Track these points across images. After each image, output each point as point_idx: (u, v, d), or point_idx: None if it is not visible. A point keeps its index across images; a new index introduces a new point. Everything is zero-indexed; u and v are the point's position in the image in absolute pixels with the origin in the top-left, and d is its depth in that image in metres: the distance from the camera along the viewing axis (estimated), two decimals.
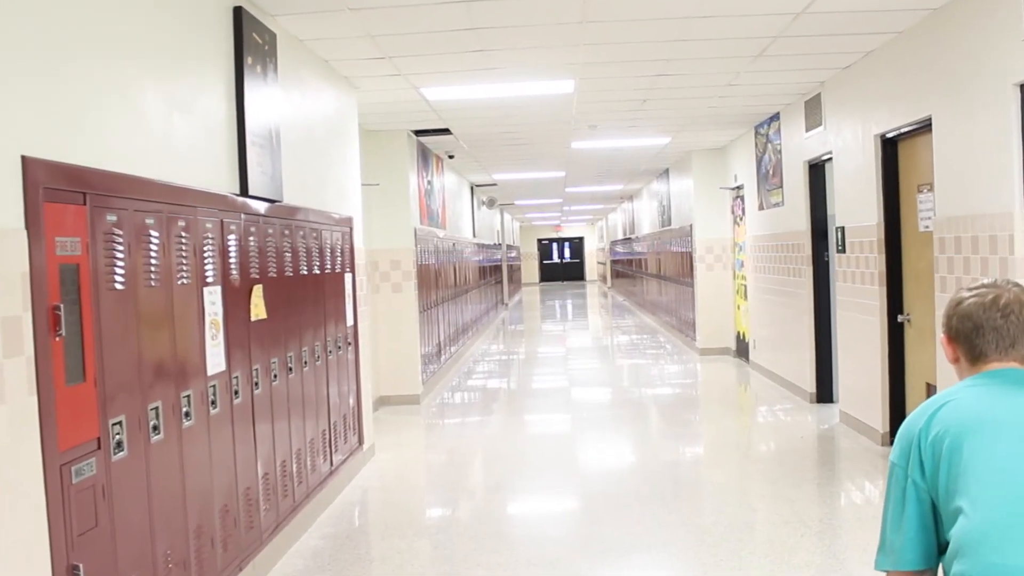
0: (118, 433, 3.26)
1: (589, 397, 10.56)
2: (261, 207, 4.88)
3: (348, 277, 6.70)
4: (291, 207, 5.45)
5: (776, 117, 9.70)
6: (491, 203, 19.43)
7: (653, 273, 18.60)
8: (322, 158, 6.38)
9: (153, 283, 3.56)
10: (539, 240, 44.14)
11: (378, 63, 6.53)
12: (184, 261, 3.84)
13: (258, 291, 4.73)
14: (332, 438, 6.16)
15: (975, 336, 2.00)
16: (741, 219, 11.91)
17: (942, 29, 5.61)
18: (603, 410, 9.57)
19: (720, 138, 11.78)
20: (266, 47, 5.08)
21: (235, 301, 4.43)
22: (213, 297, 4.15)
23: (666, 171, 15.76)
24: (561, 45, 6.32)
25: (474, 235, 17.09)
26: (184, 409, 3.80)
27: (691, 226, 13.34)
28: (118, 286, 3.29)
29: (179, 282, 3.79)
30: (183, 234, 3.84)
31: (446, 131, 9.91)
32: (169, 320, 3.71)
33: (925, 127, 5.96)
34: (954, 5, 5.44)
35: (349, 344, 6.67)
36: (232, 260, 4.40)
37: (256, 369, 4.69)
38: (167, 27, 3.99)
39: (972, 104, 5.23)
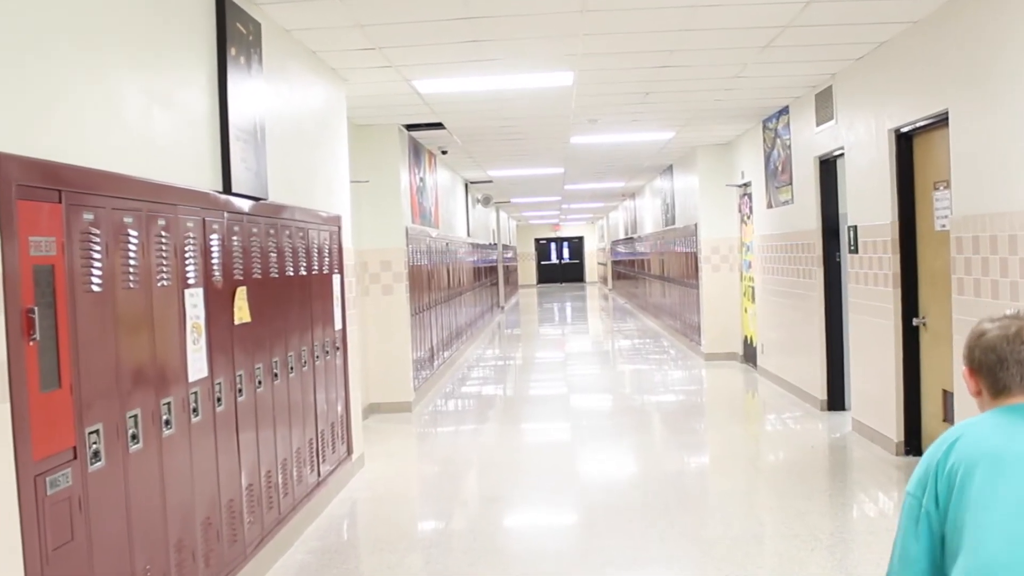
0: (95, 442, 3.24)
1: (589, 404, 10.41)
2: (245, 205, 4.85)
3: (336, 278, 6.65)
4: (276, 205, 5.41)
5: (785, 111, 9.62)
6: (486, 201, 19.31)
7: (656, 274, 18.49)
8: (309, 154, 6.34)
9: (132, 285, 3.54)
10: (537, 240, 43.41)
11: (368, 54, 6.49)
12: (164, 262, 3.81)
13: (242, 293, 4.68)
14: (319, 447, 6.09)
15: (999, 369, 2.04)
16: (748, 218, 11.81)
17: (959, 18, 5.56)
18: (604, 418, 9.44)
19: (726, 133, 11.74)
20: (250, 37, 5.06)
21: (218, 304, 4.39)
22: (195, 300, 4.11)
23: (670, 168, 15.68)
24: (560, 35, 6.28)
25: (468, 234, 16.99)
26: (164, 417, 3.77)
27: (696, 225, 13.23)
28: (95, 288, 3.27)
29: (159, 284, 3.77)
30: (163, 233, 3.81)
31: (439, 125, 9.86)
32: (148, 324, 3.68)
33: (941, 121, 5.92)
34: None
35: (337, 349, 6.62)
36: (215, 261, 4.36)
37: (240, 375, 4.65)
38: (146, 16, 3.96)
39: (991, 97, 5.17)
